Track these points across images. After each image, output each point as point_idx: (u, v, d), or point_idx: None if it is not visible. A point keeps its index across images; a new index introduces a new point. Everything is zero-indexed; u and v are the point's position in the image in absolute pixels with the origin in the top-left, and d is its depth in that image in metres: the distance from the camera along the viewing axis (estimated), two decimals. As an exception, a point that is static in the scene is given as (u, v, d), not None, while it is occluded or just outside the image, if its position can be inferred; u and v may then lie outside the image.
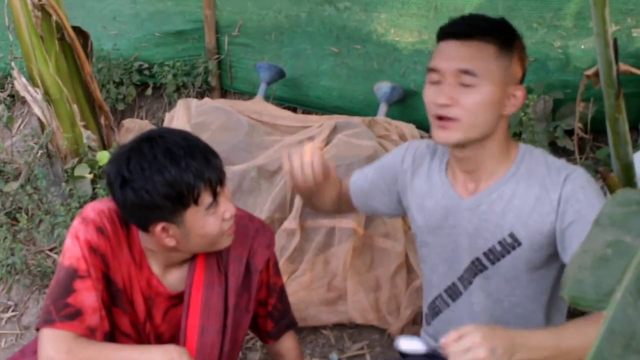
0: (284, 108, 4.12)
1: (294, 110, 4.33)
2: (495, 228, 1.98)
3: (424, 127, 3.70)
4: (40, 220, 3.83)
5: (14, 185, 4.06)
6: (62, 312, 1.89)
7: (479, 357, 1.65)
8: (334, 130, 3.43)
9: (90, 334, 1.91)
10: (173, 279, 2.08)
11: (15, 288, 3.65)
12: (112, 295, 2.00)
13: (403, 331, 2.85)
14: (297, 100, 4.36)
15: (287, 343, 2.35)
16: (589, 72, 2.52)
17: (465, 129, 1.91)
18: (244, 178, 3.30)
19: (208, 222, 1.89)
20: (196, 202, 1.85)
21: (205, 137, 3.42)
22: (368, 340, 3.04)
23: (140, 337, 2.09)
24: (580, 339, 1.75)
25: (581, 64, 3.33)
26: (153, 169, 1.82)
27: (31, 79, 3.99)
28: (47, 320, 1.90)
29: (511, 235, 1.96)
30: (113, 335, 2.04)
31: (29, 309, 3.55)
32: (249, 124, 3.57)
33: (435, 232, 2.12)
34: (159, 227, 1.88)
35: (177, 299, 2.09)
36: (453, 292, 2.14)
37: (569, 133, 3.37)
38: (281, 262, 3.05)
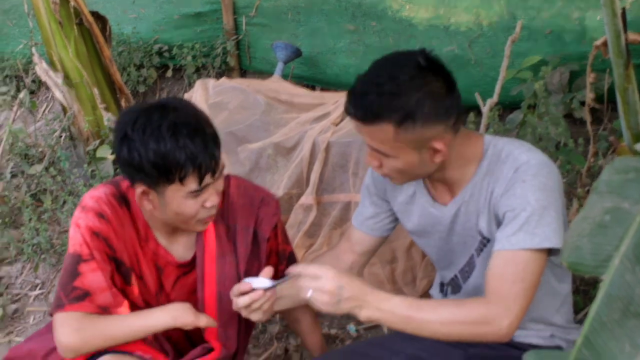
0: (302, 86, 4.14)
1: (312, 88, 4.35)
2: (475, 225, 2.02)
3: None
4: (64, 201, 3.91)
5: (38, 168, 4.14)
6: (71, 295, 1.97)
7: (323, 287, 1.77)
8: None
9: (103, 312, 1.98)
10: (180, 248, 2.13)
11: (42, 267, 3.73)
12: (123, 275, 2.06)
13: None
14: (314, 78, 4.38)
15: (301, 307, 2.40)
16: (598, 42, 2.53)
17: (402, 179, 1.97)
18: (261, 156, 3.34)
19: (186, 204, 1.91)
20: (182, 182, 1.86)
21: (222, 116, 3.49)
22: (385, 313, 3.07)
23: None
24: (435, 316, 1.80)
25: (598, 35, 3.30)
26: (153, 136, 1.83)
27: (52, 64, 4.06)
28: (58, 305, 1.98)
29: (479, 233, 2.01)
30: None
31: (55, 286, 3.63)
32: (265, 102, 3.60)
33: (425, 237, 2.19)
34: (140, 189, 1.92)
35: (186, 268, 2.14)
36: (460, 279, 2.19)
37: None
38: (298, 237, 3.09)
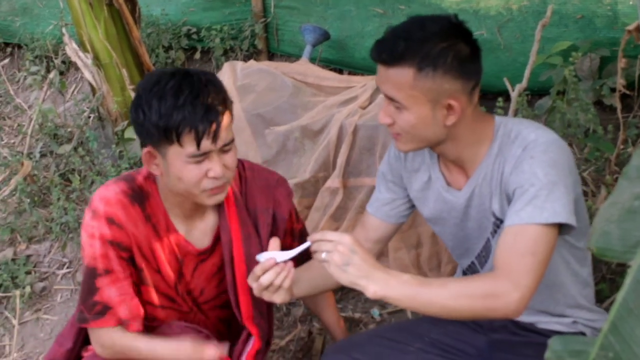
0: (330, 70, 4.14)
1: (340, 71, 4.34)
2: (489, 208, 2.02)
3: (468, 86, 3.69)
4: (92, 181, 3.94)
5: (67, 148, 4.18)
6: (93, 311, 2.02)
7: (337, 247, 1.77)
8: (377, 90, 3.44)
9: (123, 324, 2.04)
10: (199, 235, 2.14)
11: (70, 246, 3.77)
12: (138, 275, 2.09)
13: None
14: (342, 61, 4.37)
15: (321, 293, 2.42)
16: (630, 27, 2.49)
17: (410, 141, 1.96)
18: (288, 138, 3.34)
19: (187, 168, 1.90)
20: (179, 142, 1.86)
21: (250, 98, 3.49)
22: (409, 297, 3.07)
23: (175, 301, 2.17)
24: (443, 291, 1.77)
25: (630, 20, 3.27)
26: (156, 95, 1.85)
27: (81, 45, 4.08)
28: (82, 320, 2.05)
29: (493, 215, 2.01)
30: (146, 312, 2.12)
31: (83, 265, 3.67)
32: (293, 85, 3.60)
33: (441, 223, 2.19)
34: (147, 150, 1.94)
35: (205, 255, 2.16)
36: (477, 265, 2.19)
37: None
38: (324, 220, 3.09)
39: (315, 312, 2.58)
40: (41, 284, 3.61)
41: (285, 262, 1.94)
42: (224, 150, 1.93)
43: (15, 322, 3.38)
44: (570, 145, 3.36)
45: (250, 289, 2.09)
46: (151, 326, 2.16)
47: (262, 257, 1.95)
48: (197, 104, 1.84)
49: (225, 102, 1.92)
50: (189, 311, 2.21)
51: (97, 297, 2.01)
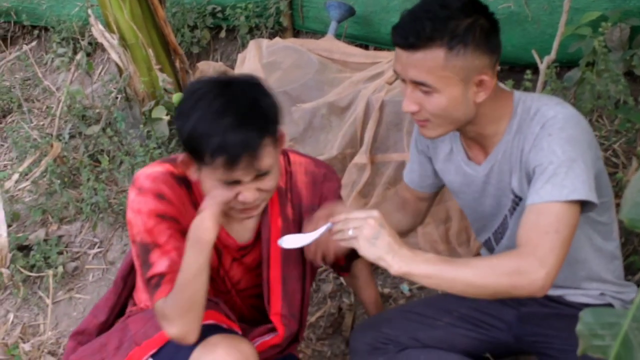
0: (356, 46, 4.11)
1: (366, 47, 4.31)
2: (508, 185, 2.00)
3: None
4: (121, 162, 3.97)
5: (95, 129, 4.21)
6: (152, 284, 1.92)
7: (367, 221, 1.77)
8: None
9: None
10: (239, 229, 2.09)
11: (100, 226, 3.81)
12: None
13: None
14: (368, 37, 4.34)
15: (359, 265, 2.43)
16: (662, -5, 2.44)
17: (439, 126, 1.93)
18: (315, 115, 3.34)
19: (217, 187, 1.83)
20: (211, 166, 1.77)
21: (276, 75, 3.49)
22: (439, 272, 3.07)
23: (214, 280, 2.14)
24: (468, 269, 1.76)
25: (660, -12, 3.22)
26: (196, 113, 1.77)
27: (107, 26, 4.10)
28: (149, 299, 1.94)
29: (512, 192, 2.00)
30: None
31: (113, 245, 3.71)
32: (319, 62, 3.59)
33: (461, 196, 2.20)
34: (184, 157, 1.88)
35: (244, 251, 2.13)
36: (493, 241, 2.19)
37: (647, 62, 3.27)
38: (352, 196, 3.09)
39: (355, 288, 2.58)
40: (73, 264, 3.66)
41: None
42: (259, 175, 1.84)
43: (49, 301, 3.42)
44: (600, 117, 3.32)
45: (282, 288, 2.11)
46: None
47: (283, 242, 1.94)
48: (237, 132, 1.74)
49: (264, 131, 1.79)
50: (226, 291, 2.19)
51: (150, 272, 1.91)
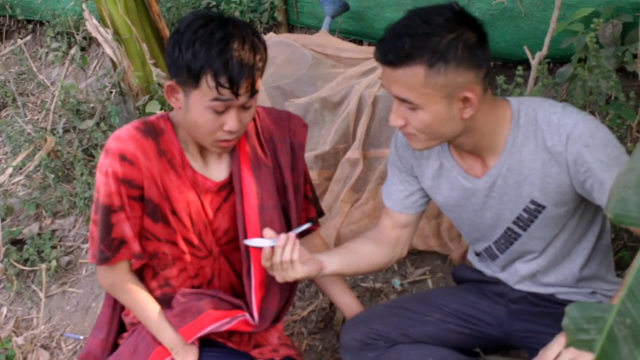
0: (350, 41, 4.12)
1: (360, 43, 4.32)
2: (516, 198, 1.99)
3: (488, 55, 3.66)
4: (115, 156, 3.96)
5: (89, 123, 4.21)
6: (112, 247, 2.06)
7: None
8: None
9: (135, 258, 2.11)
10: (214, 169, 2.16)
11: (94, 220, 3.81)
12: (150, 214, 2.09)
13: (464, 257, 2.88)
14: (362, 32, 4.35)
15: (317, 240, 2.45)
16: (652, -9, 2.45)
17: (425, 140, 1.91)
18: (308, 110, 3.34)
19: (204, 114, 1.93)
20: (207, 87, 1.89)
21: (270, 71, 3.50)
22: (430, 266, 3.08)
23: (192, 244, 2.17)
24: None
25: (653, -15, 3.23)
26: (200, 39, 1.88)
27: (101, 20, 4.10)
28: (104, 259, 2.08)
29: (532, 202, 1.98)
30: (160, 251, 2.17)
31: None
32: (313, 57, 3.60)
33: (457, 210, 2.15)
34: (171, 83, 1.97)
35: (226, 190, 2.16)
36: (495, 249, 2.18)
37: None
38: (344, 191, 3.10)
39: (324, 290, 2.52)
40: (67, 258, 3.66)
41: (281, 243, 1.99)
42: (244, 106, 1.96)
43: (42, 295, 3.43)
44: (592, 113, 3.33)
45: (259, 218, 2.12)
46: (167, 294, 2.22)
47: (251, 242, 2.02)
48: (236, 57, 1.87)
49: (263, 61, 1.96)
50: (206, 255, 2.21)
51: (113, 234, 2.06)
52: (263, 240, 2.00)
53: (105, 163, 2.01)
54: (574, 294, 2.14)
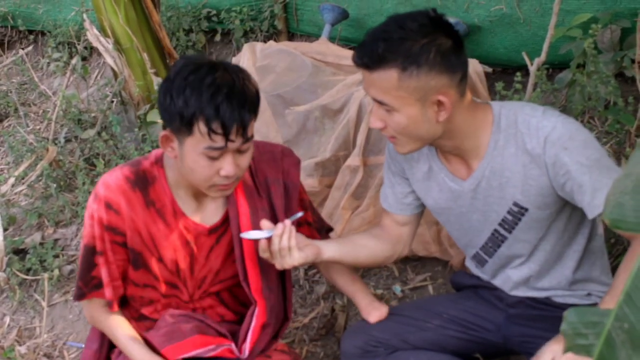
0: (350, 49, 4.13)
1: (359, 50, 4.33)
2: (500, 200, 2.02)
3: (487, 62, 3.67)
4: (116, 165, 3.97)
5: (91, 133, 4.22)
6: (90, 284, 2.16)
7: None
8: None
9: (108, 304, 2.18)
10: (208, 213, 2.17)
11: (96, 230, 3.82)
12: (132, 261, 2.15)
13: (464, 263, 2.89)
14: (361, 40, 4.34)
15: (333, 266, 2.44)
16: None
17: (406, 142, 1.95)
18: (308, 118, 3.35)
19: (199, 161, 1.93)
20: (201, 134, 1.88)
21: (270, 79, 3.51)
22: (430, 272, 3.09)
23: (177, 287, 2.22)
24: None
25: (651, -10, 3.24)
26: (191, 85, 1.87)
27: (102, 30, 4.12)
28: (80, 295, 2.19)
29: (515, 204, 2.01)
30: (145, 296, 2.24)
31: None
32: (313, 65, 3.61)
33: (446, 212, 2.19)
34: (165, 133, 1.97)
35: (217, 232, 2.18)
36: (483, 254, 2.20)
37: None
38: (345, 198, 3.11)
39: (334, 282, 2.51)
40: (69, 267, 3.67)
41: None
42: (240, 150, 1.96)
43: (44, 304, 3.44)
44: (591, 118, 3.34)
45: (259, 262, 2.14)
46: (149, 318, 2.26)
47: (248, 235, 2.05)
48: (230, 103, 1.86)
49: (255, 105, 1.95)
50: (187, 301, 2.25)
51: (95, 272, 2.14)
52: (260, 232, 2.04)
53: (93, 207, 2.08)
54: (569, 297, 2.15)
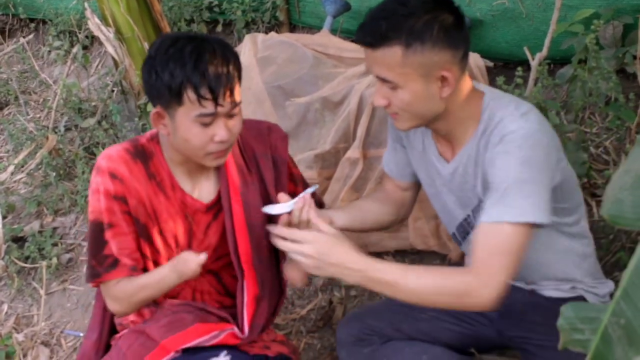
0: (351, 41, 4.12)
1: (361, 42, 4.32)
2: (473, 188, 2.03)
3: (489, 56, 3.67)
4: (116, 154, 3.98)
5: (91, 122, 4.22)
6: (104, 264, 2.07)
7: (305, 252, 1.87)
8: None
9: (134, 272, 2.10)
10: (204, 191, 2.18)
11: (95, 218, 3.82)
12: (140, 231, 2.12)
13: (463, 256, 2.89)
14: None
15: None
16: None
17: (408, 119, 1.96)
18: (309, 110, 3.35)
19: (192, 129, 1.94)
20: (190, 102, 1.89)
21: (271, 70, 3.51)
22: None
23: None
24: (420, 287, 1.84)
25: (654, -14, 3.23)
26: (173, 57, 1.89)
27: (103, 19, 4.11)
28: (95, 275, 2.09)
29: (477, 195, 2.03)
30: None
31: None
32: (314, 57, 3.60)
33: (429, 188, 2.23)
34: (156, 110, 1.97)
35: (214, 209, 2.19)
36: (458, 236, 2.23)
37: None
38: (344, 191, 3.11)
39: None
40: (67, 256, 3.68)
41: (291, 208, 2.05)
42: (230, 114, 1.97)
43: (42, 292, 3.44)
44: (592, 114, 3.34)
45: (248, 235, 2.15)
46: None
47: (270, 209, 2.06)
48: (212, 67, 1.88)
49: (238, 69, 1.96)
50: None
51: (106, 250, 2.07)
52: (281, 206, 2.06)
53: (97, 181, 2.06)
54: (553, 290, 2.17)
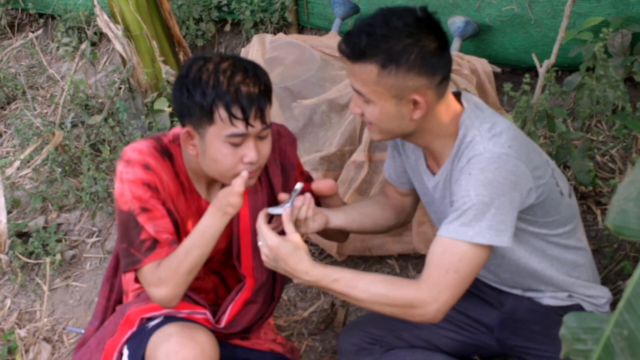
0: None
1: (369, 45, 4.32)
2: (450, 204, 2.03)
3: (497, 62, 3.67)
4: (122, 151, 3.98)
5: (97, 119, 4.22)
6: (143, 248, 2.03)
7: (263, 250, 2.00)
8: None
9: (173, 247, 2.06)
10: (215, 195, 2.16)
11: (99, 215, 3.83)
12: (172, 221, 2.10)
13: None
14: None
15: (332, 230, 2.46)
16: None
17: (379, 132, 1.99)
18: (315, 112, 3.35)
19: (222, 149, 1.94)
20: (222, 121, 1.90)
21: (278, 71, 3.50)
22: (432, 271, 3.08)
23: None
24: (367, 296, 1.91)
25: (664, -4, 3.22)
26: (205, 76, 1.90)
27: (112, 16, 4.12)
28: (135, 262, 2.04)
29: None
30: None
31: (112, 234, 3.73)
32: (321, 58, 3.60)
33: (423, 197, 2.26)
34: (186, 130, 1.97)
35: None
36: None
37: (648, 68, 3.27)
38: (349, 193, 3.10)
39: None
40: (71, 252, 3.68)
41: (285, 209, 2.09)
42: (260, 136, 1.97)
43: (45, 288, 3.45)
44: (599, 122, 3.33)
45: (252, 241, 2.17)
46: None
47: (275, 210, 2.10)
48: (244, 87, 1.90)
49: (269, 91, 1.97)
50: (197, 277, 2.23)
51: (143, 235, 2.02)
52: (283, 206, 2.10)
53: (128, 171, 2.02)
54: (550, 299, 2.18)
